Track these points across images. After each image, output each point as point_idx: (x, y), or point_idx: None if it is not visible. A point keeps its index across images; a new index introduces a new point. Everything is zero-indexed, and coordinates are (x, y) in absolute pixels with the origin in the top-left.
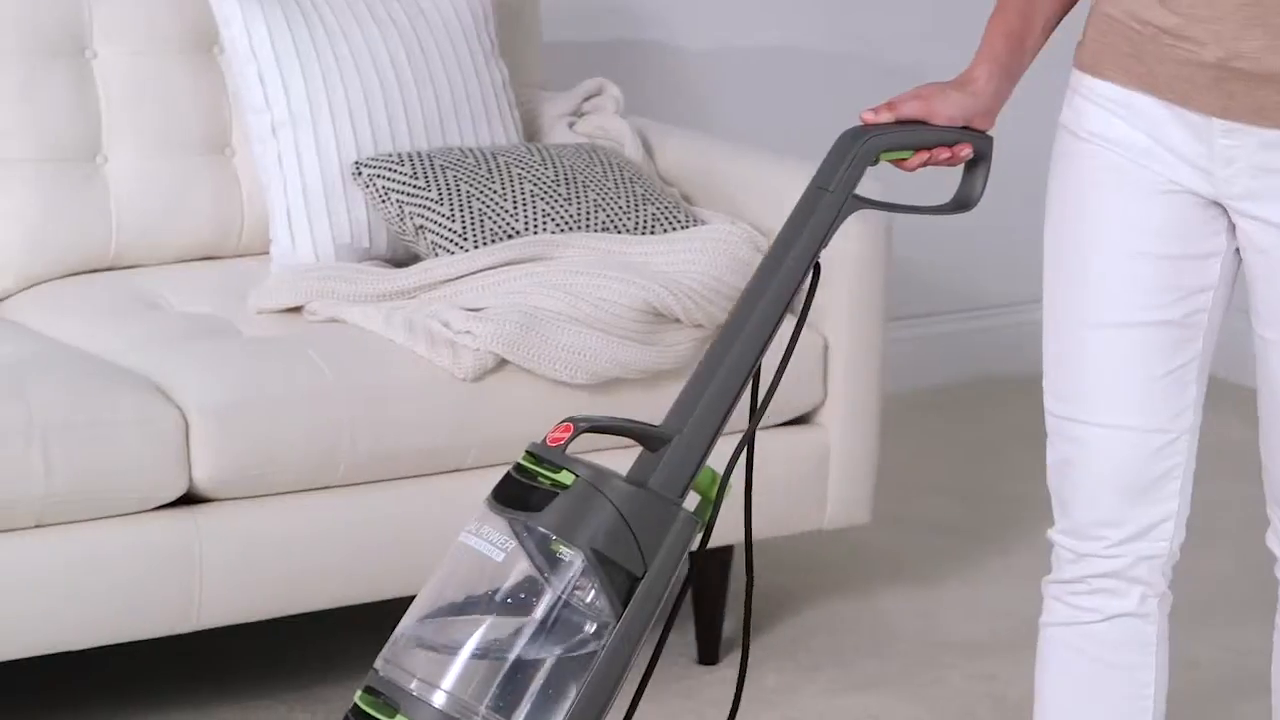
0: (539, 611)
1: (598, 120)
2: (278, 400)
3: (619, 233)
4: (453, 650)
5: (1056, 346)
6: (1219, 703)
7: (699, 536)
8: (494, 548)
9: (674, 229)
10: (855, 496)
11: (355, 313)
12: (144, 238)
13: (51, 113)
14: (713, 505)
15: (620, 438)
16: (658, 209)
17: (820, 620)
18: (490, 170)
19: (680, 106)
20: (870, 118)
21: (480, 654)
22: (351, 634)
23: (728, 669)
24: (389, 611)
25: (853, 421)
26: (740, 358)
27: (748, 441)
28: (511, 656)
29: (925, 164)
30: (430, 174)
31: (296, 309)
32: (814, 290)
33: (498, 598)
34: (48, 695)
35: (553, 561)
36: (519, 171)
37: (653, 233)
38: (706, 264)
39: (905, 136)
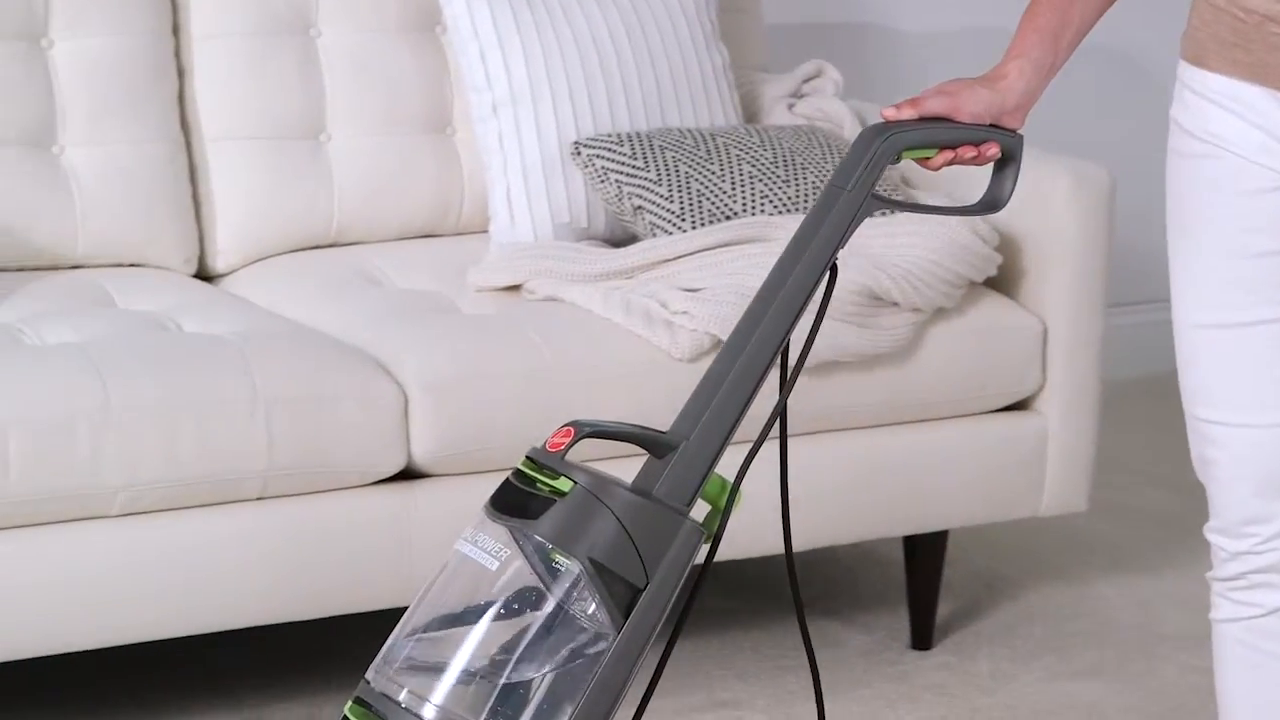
0: (535, 622)
1: (817, 102)
2: (495, 378)
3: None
4: (445, 662)
5: (1183, 349)
6: None
7: (706, 547)
8: (489, 556)
9: (892, 213)
10: (1073, 484)
11: (573, 292)
12: (365, 215)
13: (277, 91)
14: (722, 514)
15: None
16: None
17: (1036, 607)
18: (709, 151)
19: (899, 89)
20: (892, 114)
21: (474, 666)
22: None
23: (942, 654)
24: None
25: (1072, 408)
26: (752, 362)
27: (781, 447)
28: (507, 669)
29: (950, 163)
30: (649, 154)
31: (515, 287)
32: (830, 292)
33: (491, 608)
34: (265, 666)
35: (550, 571)
36: (737, 153)
37: (871, 215)
38: (925, 248)
39: (928, 134)
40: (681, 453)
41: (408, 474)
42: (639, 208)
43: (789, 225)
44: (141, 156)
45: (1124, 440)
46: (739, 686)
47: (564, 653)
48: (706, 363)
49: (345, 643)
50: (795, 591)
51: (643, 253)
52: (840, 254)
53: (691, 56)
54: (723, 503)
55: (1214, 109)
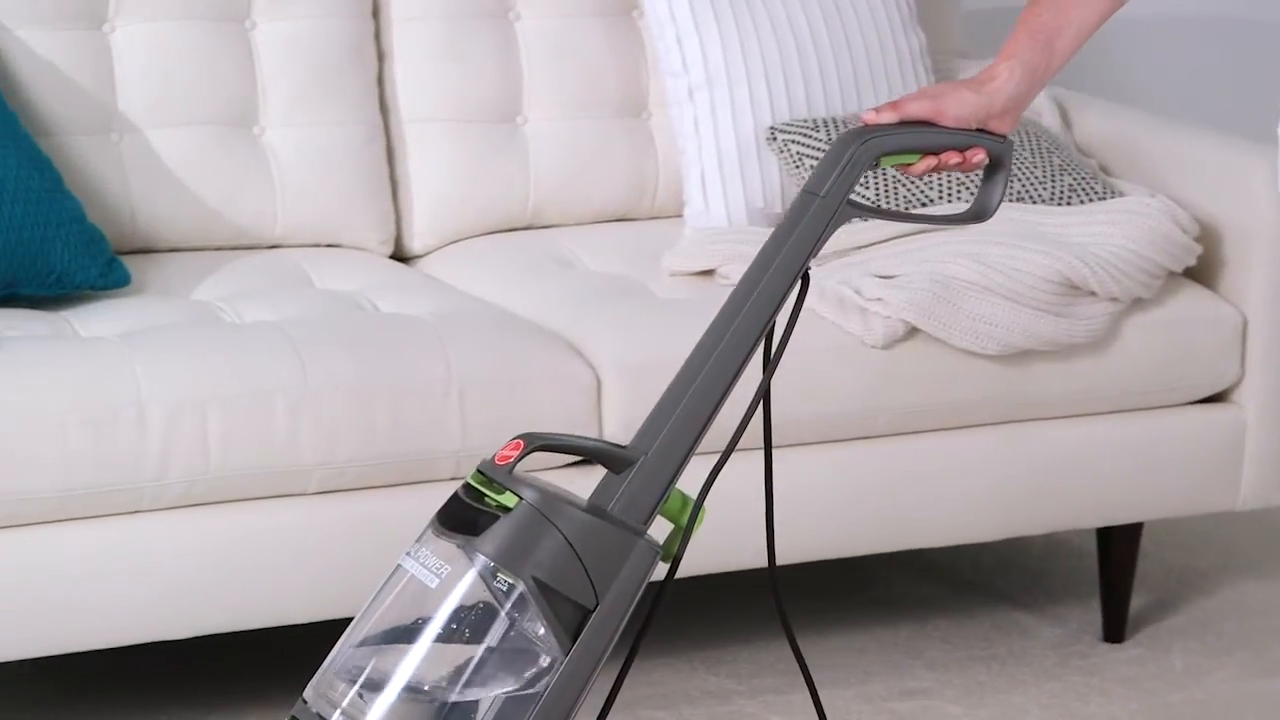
0: (476, 644)
1: None
2: None
3: (1035, 203)
4: (383, 682)
5: None
6: None
7: (667, 564)
8: (429, 573)
9: (1091, 200)
10: (1271, 477)
11: None
12: (560, 197)
13: (475, 74)
14: (684, 533)
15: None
16: (1075, 180)
17: (1231, 602)
18: None
19: (1099, 76)
20: (871, 118)
21: (415, 687)
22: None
23: (1135, 647)
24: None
25: (1271, 401)
26: (716, 374)
27: (767, 460)
28: (447, 692)
29: (933, 169)
30: None
31: (708, 272)
32: (801, 301)
33: (431, 627)
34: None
35: (492, 591)
36: None
37: (1069, 203)
38: (1123, 236)
39: (909, 139)
40: (639, 468)
41: None
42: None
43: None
44: (340, 138)
45: None
46: (928, 676)
47: (510, 675)
48: (900, 350)
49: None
50: (779, 602)
51: (837, 239)
52: (1048, 240)
53: (889, 40)
54: (684, 519)
55: None
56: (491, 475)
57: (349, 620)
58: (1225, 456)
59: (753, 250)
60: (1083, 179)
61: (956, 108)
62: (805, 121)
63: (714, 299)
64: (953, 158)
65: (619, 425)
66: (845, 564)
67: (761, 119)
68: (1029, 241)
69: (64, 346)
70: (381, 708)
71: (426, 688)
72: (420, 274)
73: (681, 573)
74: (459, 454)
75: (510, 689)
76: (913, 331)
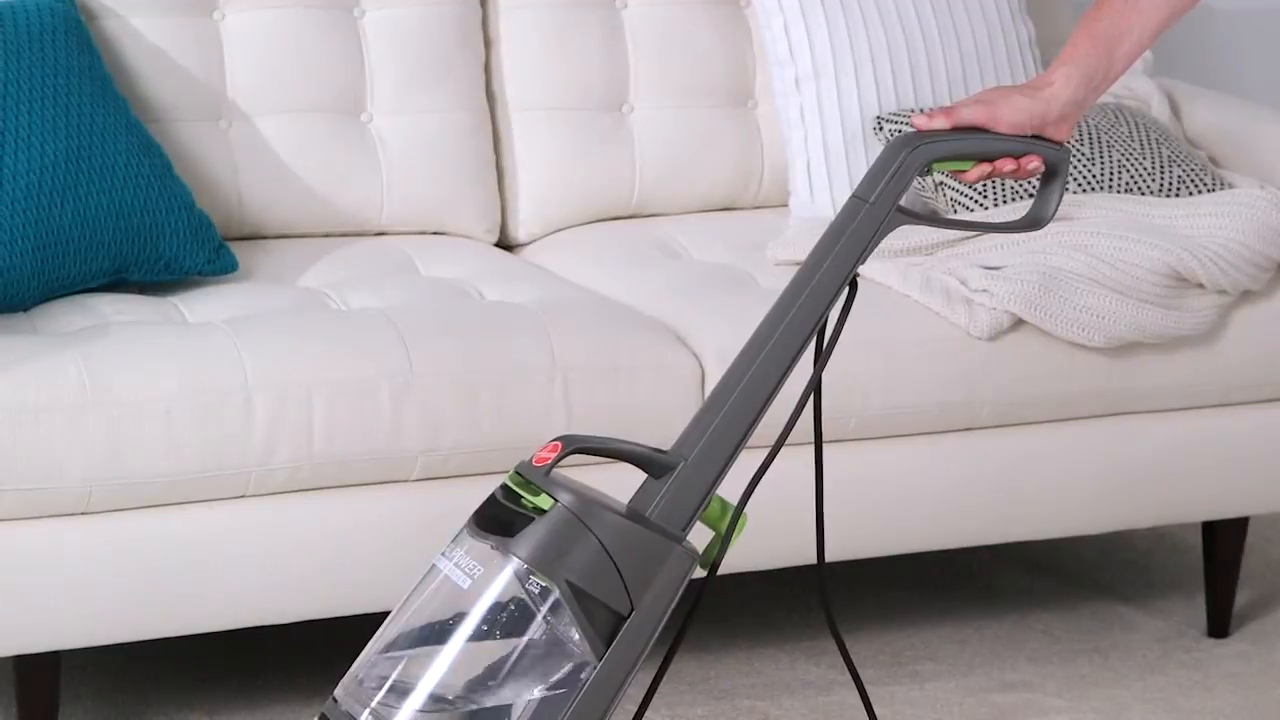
0: (514, 646)
1: (1125, 80)
2: None
3: (1143, 194)
4: (414, 682)
5: None
6: None
7: (705, 570)
8: (462, 573)
9: (1200, 192)
10: None
11: (873, 267)
12: (665, 187)
13: (581, 62)
14: (723, 540)
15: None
16: (1184, 171)
17: None
18: None
19: (1209, 68)
20: (923, 123)
21: (446, 689)
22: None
23: (1239, 643)
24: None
25: None
26: (760, 381)
27: (816, 456)
28: (479, 693)
29: (987, 177)
30: None
31: None
32: (849, 307)
33: (463, 628)
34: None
35: (526, 592)
36: None
37: (1178, 195)
38: (1233, 229)
39: (961, 145)
40: (679, 474)
41: None
42: (940, 184)
43: (1094, 204)
44: (447, 126)
45: None
46: (1029, 669)
47: (544, 678)
48: (1006, 341)
49: None
50: (825, 600)
51: (942, 232)
52: (1156, 233)
53: (997, 30)
54: (723, 526)
55: None
56: (529, 477)
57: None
58: None
59: None
60: (1192, 170)
61: (1011, 113)
62: (913, 111)
63: None
64: (1007, 165)
65: None
66: (949, 556)
67: (868, 109)
68: (1136, 233)
69: (171, 332)
70: (411, 709)
71: (458, 689)
72: (525, 262)
73: (780, 564)
74: None
75: (543, 692)
76: (1018, 323)
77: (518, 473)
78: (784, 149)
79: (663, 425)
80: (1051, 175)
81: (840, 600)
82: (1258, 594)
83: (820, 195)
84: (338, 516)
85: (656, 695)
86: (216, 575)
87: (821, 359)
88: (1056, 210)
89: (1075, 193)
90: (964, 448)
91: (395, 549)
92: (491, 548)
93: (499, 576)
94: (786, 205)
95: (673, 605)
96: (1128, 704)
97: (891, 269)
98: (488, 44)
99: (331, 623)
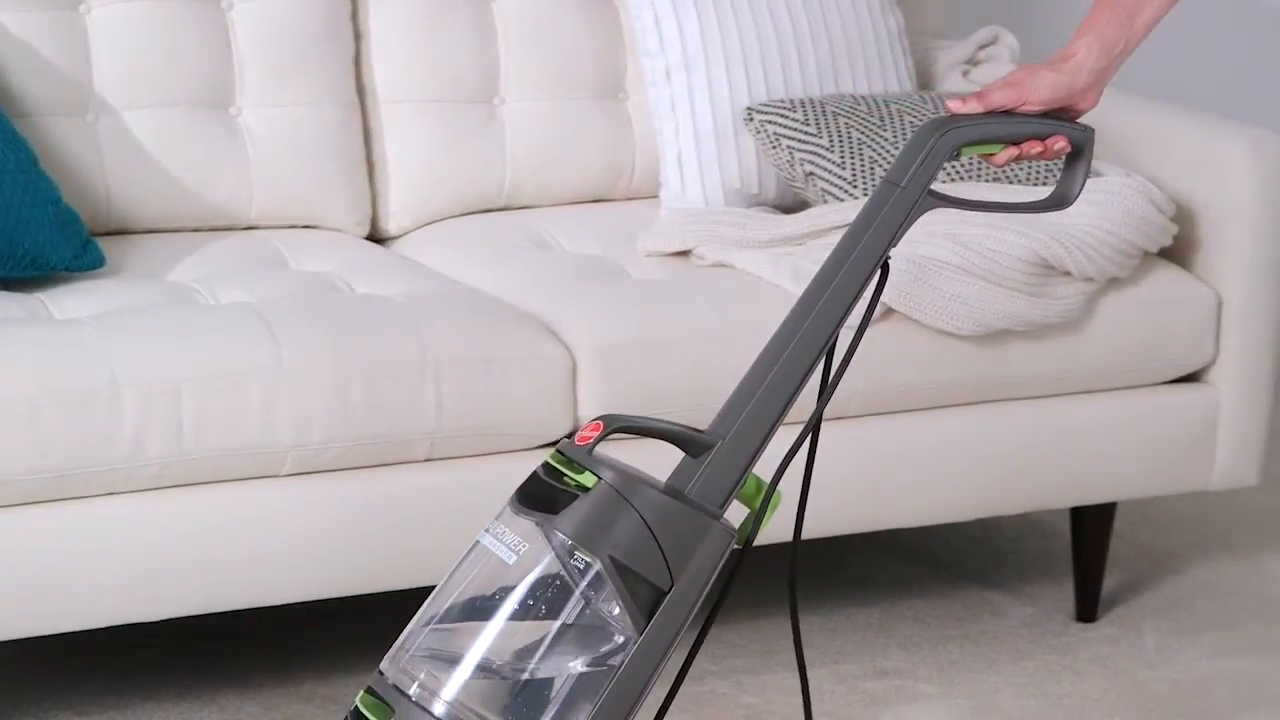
0: (553, 620)
1: (992, 69)
2: (664, 343)
3: (1010, 183)
4: (460, 655)
5: None
6: None
7: (738, 548)
8: (508, 550)
9: None
10: (1245, 457)
11: (743, 258)
12: (537, 179)
13: (452, 55)
14: (756, 517)
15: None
16: (1050, 160)
17: (1203, 582)
18: (882, 118)
19: None
20: (958, 107)
21: (491, 662)
22: None
23: (1107, 627)
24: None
25: (1245, 380)
26: (795, 362)
27: (812, 436)
28: (523, 666)
29: (1016, 159)
30: (821, 120)
31: (684, 253)
32: (880, 290)
33: (506, 604)
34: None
35: (571, 568)
36: (911, 120)
37: (1044, 184)
38: (1100, 217)
39: (990, 129)
40: (717, 452)
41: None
42: (810, 174)
43: (962, 192)
44: (316, 119)
45: None
46: (901, 655)
47: (585, 652)
48: (876, 331)
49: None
50: (792, 589)
51: (814, 219)
52: (1024, 221)
53: (866, 22)
54: (757, 504)
55: None
56: (571, 456)
57: (324, 603)
58: (1199, 436)
59: (729, 230)
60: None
61: (1038, 91)
62: (783, 102)
63: (689, 279)
64: (1034, 146)
65: (595, 406)
66: (820, 544)
67: (739, 100)
68: (1005, 222)
69: (38, 328)
70: (458, 682)
71: (502, 663)
72: (396, 255)
73: None
74: (434, 435)
75: (584, 666)
76: (888, 312)
77: (559, 452)
78: (655, 140)
79: (535, 417)
80: (1077, 155)
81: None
82: (1125, 579)
83: (691, 186)
84: (208, 513)
85: None
86: (84, 573)
87: (851, 347)
88: (1081, 189)
89: (944, 182)
90: (834, 436)
91: (268, 545)
92: (535, 524)
93: (544, 552)
94: (658, 197)
95: (711, 581)
96: (998, 688)
97: (763, 259)
98: (357, 36)
99: (207, 619)
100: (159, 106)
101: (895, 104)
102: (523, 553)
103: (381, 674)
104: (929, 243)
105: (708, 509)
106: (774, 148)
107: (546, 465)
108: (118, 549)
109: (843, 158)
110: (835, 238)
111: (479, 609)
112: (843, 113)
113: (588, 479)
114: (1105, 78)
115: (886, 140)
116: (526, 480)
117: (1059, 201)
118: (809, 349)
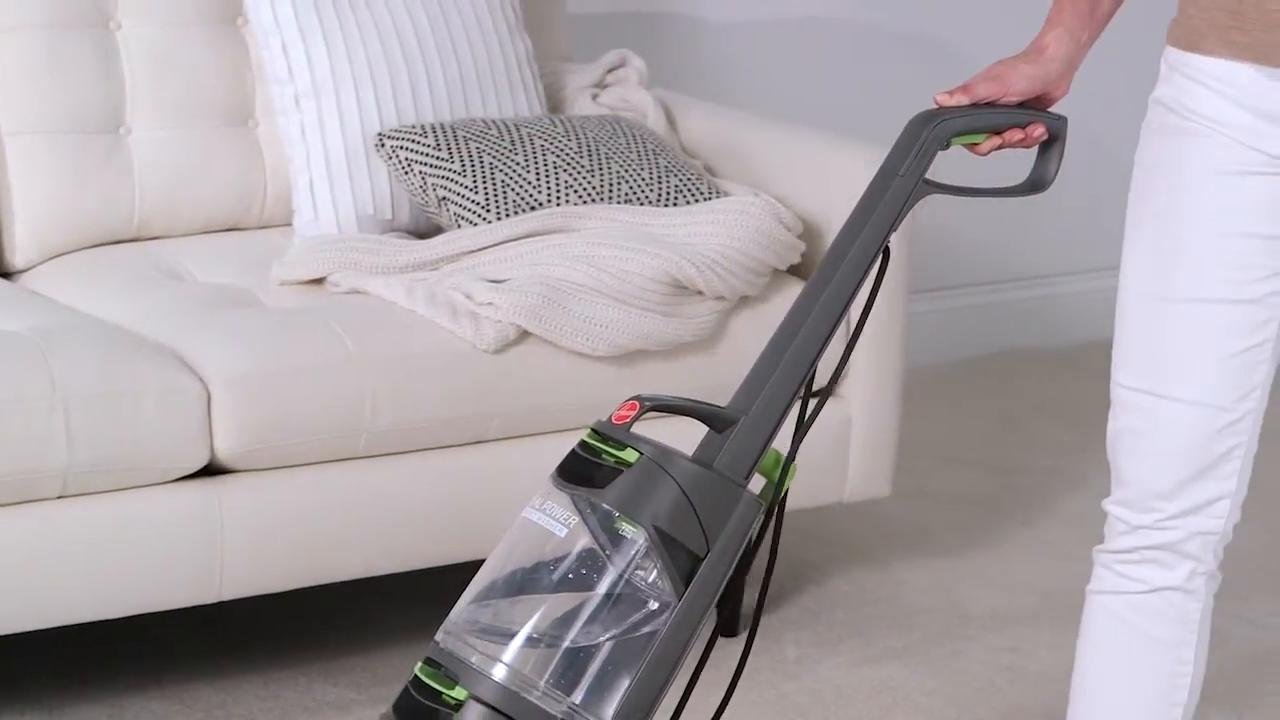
0: (600, 588)
1: (621, 92)
2: (299, 372)
3: (642, 204)
4: (513, 625)
5: (1134, 319)
6: (1246, 678)
7: (761, 519)
8: (557, 523)
9: (697, 201)
10: (876, 469)
11: (378, 284)
12: (167, 209)
13: (75, 84)
14: (776, 487)
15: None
16: (680, 181)
17: (840, 592)
18: (513, 142)
19: (703, 79)
20: (945, 100)
21: (540, 630)
22: (374, 605)
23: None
24: (411, 582)
25: (874, 394)
26: (808, 341)
27: (807, 421)
28: (572, 634)
29: (999, 148)
30: (453, 146)
31: (319, 280)
32: (883, 274)
33: (558, 573)
34: (69, 666)
35: (615, 539)
36: (542, 143)
37: (675, 204)
38: (728, 236)
39: (977, 119)
40: (740, 427)
41: (212, 470)
42: (443, 199)
43: (594, 215)
44: None
45: (926, 426)
46: None
47: (625, 620)
48: (513, 354)
49: (149, 644)
50: (766, 580)
51: (447, 244)
52: (656, 242)
53: (495, 47)
54: (776, 475)
55: (1203, 90)
56: (609, 433)
57: None
58: (832, 450)
59: (362, 257)
60: (688, 180)
61: (1018, 82)
62: (414, 128)
63: (324, 307)
64: (1015, 135)
65: (231, 437)
66: (474, 566)
67: (370, 126)
68: (637, 243)
69: None
70: (512, 650)
71: (551, 631)
72: (22, 289)
73: (298, 585)
74: (65, 471)
75: (625, 633)
76: (525, 335)
77: (596, 430)
78: (287, 168)
79: (169, 449)
80: (1052, 141)
81: (356, 621)
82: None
83: (324, 213)
84: None
85: None
86: None
87: (856, 331)
88: (1056, 174)
89: (575, 204)
90: (474, 460)
91: None
92: (578, 499)
93: (591, 523)
94: (291, 225)
95: (743, 547)
96: None
97: (397, 285)
98: None
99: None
100: None
101: (526, 127)
102: (572, 525)
103: (438, 644)
104: (562, 265)
105: (736, 479)
106: (406, 173)
107: (584, 444)
108: None
109: (475, 182)
110: (471, 261)
111: (529, 581)
112: (474, 137)
113: (629, 455)
114: (1074, 66)
115: (518, 164)
116: (565, 459)
117: (1036, 185)
118: (821, 328)
